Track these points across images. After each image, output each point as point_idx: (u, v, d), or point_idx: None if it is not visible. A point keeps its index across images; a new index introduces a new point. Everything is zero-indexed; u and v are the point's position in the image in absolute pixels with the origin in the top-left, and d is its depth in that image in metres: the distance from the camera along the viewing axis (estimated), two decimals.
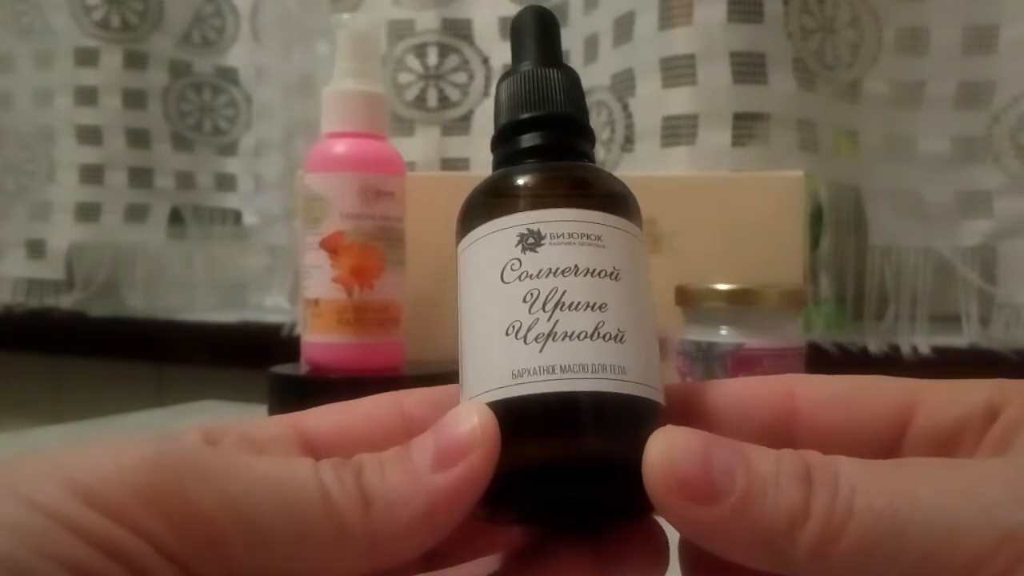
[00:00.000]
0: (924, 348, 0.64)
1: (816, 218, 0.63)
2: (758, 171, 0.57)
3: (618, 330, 0.20)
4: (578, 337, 0.19)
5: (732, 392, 0.22)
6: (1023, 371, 0.60)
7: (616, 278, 0.21)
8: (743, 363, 0.43)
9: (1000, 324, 0.63)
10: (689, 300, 0.45)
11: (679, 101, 0.59)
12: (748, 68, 0.58)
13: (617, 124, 0.64)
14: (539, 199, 0.21)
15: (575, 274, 0.20)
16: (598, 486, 0.19)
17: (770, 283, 0.45)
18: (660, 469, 0.18)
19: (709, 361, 0.44)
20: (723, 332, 0.44)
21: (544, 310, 0.20)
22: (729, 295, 0.43)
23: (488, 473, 0.18)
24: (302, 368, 0.51)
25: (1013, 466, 0.18)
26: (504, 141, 0.23)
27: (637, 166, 0.62)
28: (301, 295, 0.51)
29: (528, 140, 0.23)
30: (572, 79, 0.24)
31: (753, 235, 0.53)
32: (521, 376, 0.19)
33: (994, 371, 0.21)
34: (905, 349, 0.64)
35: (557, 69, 0.23)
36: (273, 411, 0.50)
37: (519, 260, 0.20)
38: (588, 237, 0.21)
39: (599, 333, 0.20)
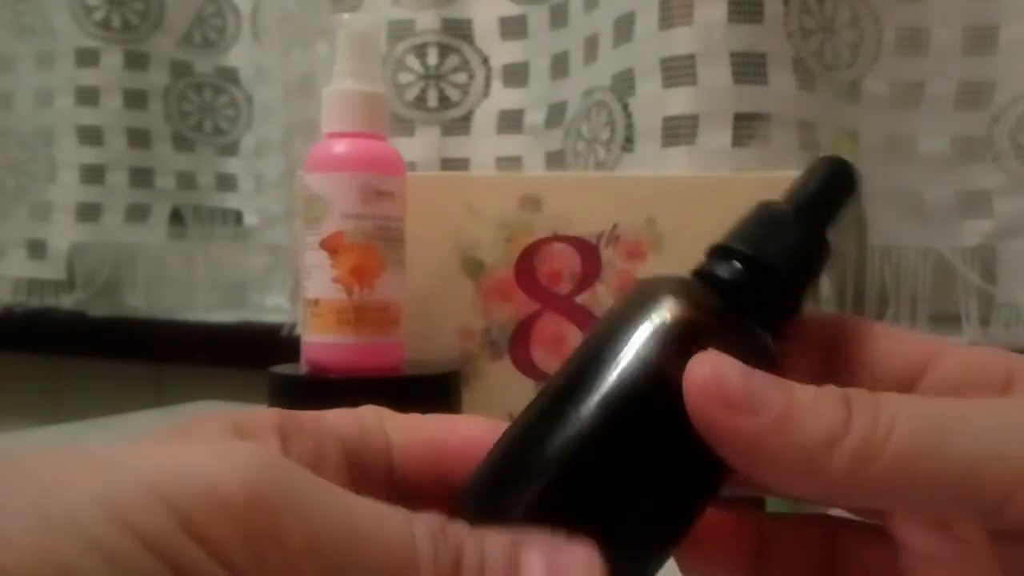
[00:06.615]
0: None
1: None
2: (758, 171, 0.57)
3: None
4: None
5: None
6: None
7: None
8: None
9: (1000, 324, 0.63)
10: None
11: (679, 101, 0.59)
12: (748, 68, 0.58)
13: (617, 124, 0.64)
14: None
15: None
16: None
17: None
18: (702, 383, 0.18)
19: None
20: None
21: None
22: None
23: None
24: (302, 368, 0.51)
25: None
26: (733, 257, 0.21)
27: (637, 166, 0.62)
28: (301, 295, 0.51)
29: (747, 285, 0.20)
30: (819, 246, 0.21)
31: None
32: None
33: None
34: None
35: (808, 232, 0.21)
36: None
37: None
38: None
39: None
